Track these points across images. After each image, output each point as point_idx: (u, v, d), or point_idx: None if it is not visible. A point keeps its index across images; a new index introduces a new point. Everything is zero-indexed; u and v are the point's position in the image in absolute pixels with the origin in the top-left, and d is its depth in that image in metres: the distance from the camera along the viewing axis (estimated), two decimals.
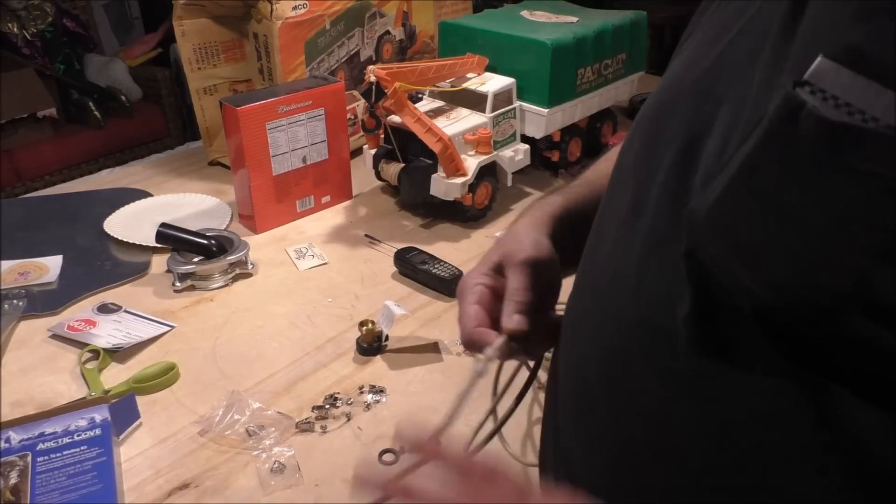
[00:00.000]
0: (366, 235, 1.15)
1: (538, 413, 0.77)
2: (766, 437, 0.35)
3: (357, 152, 1.35)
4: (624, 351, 0.43)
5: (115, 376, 0.83)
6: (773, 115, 0.30)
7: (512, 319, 0.49)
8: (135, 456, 0.72)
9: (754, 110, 0.35)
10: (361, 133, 1.32)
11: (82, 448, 0.69)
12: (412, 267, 1.02)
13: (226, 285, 1.01)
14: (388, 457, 0.72)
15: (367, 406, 0.79)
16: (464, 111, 1.19)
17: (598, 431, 0.45)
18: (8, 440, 0.69)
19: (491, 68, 1.26)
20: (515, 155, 1.20)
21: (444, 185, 1.11)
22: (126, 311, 0.94)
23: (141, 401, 0.78)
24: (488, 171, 1.16)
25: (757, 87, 0.36)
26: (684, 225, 0.36)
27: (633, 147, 0.48)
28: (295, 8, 1.24)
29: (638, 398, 0.41)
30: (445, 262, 1.02)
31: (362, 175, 1.27)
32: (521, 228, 0.55)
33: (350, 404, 0.79)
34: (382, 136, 1.21)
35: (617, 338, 0.43)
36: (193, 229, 1.05)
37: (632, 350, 0.42)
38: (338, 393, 0.80)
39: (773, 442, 0.35)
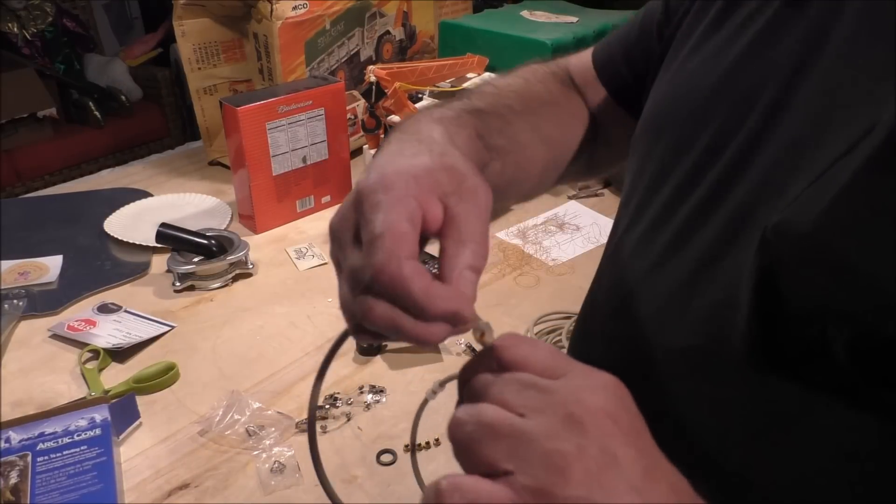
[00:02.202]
0: None
1: None
2: (860, 477, 0.32)
3: (357, 152, 1.35)
4: (674, 381, 0.39)
5: (115, 376, 0.83)
6: (893, 125, 0.28)
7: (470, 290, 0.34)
8: (135, 456, 0.72)
9: (851, 119, 0.32)
10: (361, 133, 1.32)
11: (82, 448, 0.69)
12: None
13: (226, 285, 1.01)
14: (386, 457, 0.72)
15: (367, 406, 0.79)
16: None
17: None
18: (8, 440, 0.69)
19: (491, 68, 1.26)
20: None
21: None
22: (126, 311, 0.94)
23: (141, 401, 0.78)
24: None
25: (845, 93, 0.33)
26: (765, 240, 0.32)
27: (657, 151, 0.45)
28: (295, 8, 1.24)
29: (694, 430, 0.38)
30: None
31: (362, 175, 1.27)
32: (461, 156, 0.39)
33: (350, 404, 0.79)
34: (382, 135, 1.21)
35: (667, 367, 0.40)
36: (193, 229, 1.05)
37: (687, 380, 0.39)
38: (338, 393, 0.80)
39: (869, 482, 0.32)
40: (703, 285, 0.38)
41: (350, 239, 0.34)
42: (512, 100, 0.54)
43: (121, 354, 0.86)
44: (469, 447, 0.29)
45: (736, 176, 0.38)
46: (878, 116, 0.29)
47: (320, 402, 0.79)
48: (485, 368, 0.32)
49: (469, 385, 0.32)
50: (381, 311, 0.32)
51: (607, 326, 0.46)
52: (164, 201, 1.24)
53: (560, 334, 0.89)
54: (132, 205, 1.22)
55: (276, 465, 0.70)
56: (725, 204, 0.38)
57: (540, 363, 0.31)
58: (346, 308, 0.35)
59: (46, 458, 0.68)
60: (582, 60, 0.63)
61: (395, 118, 1.13)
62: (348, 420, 0.77)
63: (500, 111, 0.51)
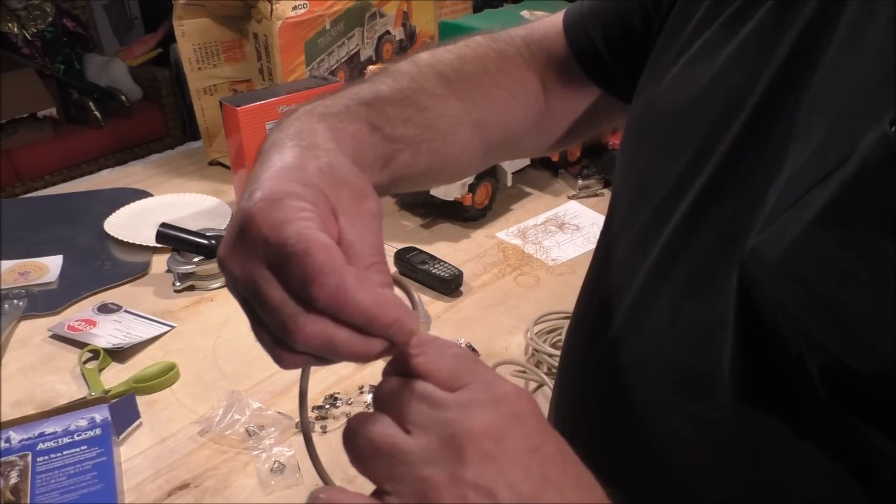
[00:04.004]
0: None
1: None
2: (821, 499, 0.32)
3: None
4: (659, 397, 0.39)
5: (115, 376, 0.83)
6: (865, 158, 0.27)
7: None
8: (135, 456, 0.72)
9: (832, 143, 0.30)
10: None
11: (82, 448, 0.69)
12: (412, 267, 1.02)
13: (226, 285, 1.01)
14: None
15: (367, 406, 0.78)
16: None
17: (629, 484, 0.40)
18: (8, 440, 0.69)
19: None
20: None
21: (443, 186, 1.11)
22: (126, 311, 0.94)
23: (141, 401, 0.78)
24: (488, 172, 1.16)
25: (829, 109, 0.32)
26: (742, 261, 0.32)
27: (645, 153, 0.44)
28: (295, 8, 1.24)
29: (674, 449, 0.38)
30: (445, 262, 1.02)
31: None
32: (349, 164, 0.37)
33: (350, 404, 0.79)
34: None
35: (653, 383, 0.39)
36: (193, 229, 1.05)
37: (668, 397, 0.38)
38: (338, 393, 0.80)
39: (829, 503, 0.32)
40: (695, 301, 0.37)
41: (258, 266, 0.32)
42: (432, 82, 0.50)
43: (121, 354, 0.86)
44: (356, 460, 0.29)
45: (722, 185, 0.37)
46: (856, 141, 0.28)
47: (320, 402, 0.79)
48: (397, 371, 0.31)
49: (375, 390, 0.32)
50: (312, 330, 0.30)
51: (598, 338, 0.45)
52: (164, 201, 1.24)
53: (560, 334, 0.89)
54: (132, 205, 1.22)
55: (276, 465, 0.70)
56: (714, 214, 0.37)
57: (442, 372, 0.30)
58: (265, 337, 0.34)
59: (46, 458, 0.68)
60: (545, 26, 0.59)
61: None
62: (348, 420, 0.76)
63: (413, 96, 0.48)
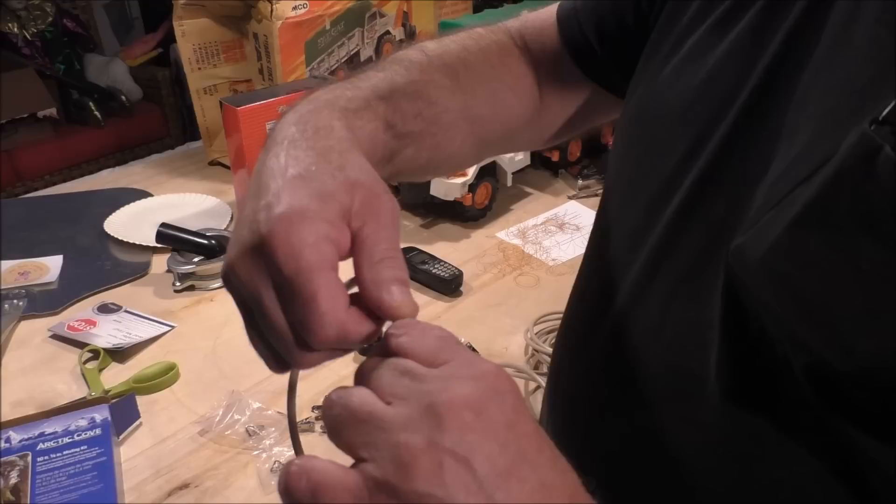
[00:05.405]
0: None
1: None
2: (811, 500, 0.32)
3: None
4: (649, 399, 0.39)
5: (115, 376, 0.83)
6: (845, 158, 0.27)
7: (404, 301, 0.33)
8: (135, 456, 0.72)
9: (817, 144, 0.30)
10: None
11: (82, 448, 0.69)
12: (412, 267, 1.01)
13: (223, 282, 1.01)
14: None
15: None
16: None
17: (626, 487, 0.40)
18: (8, 440, 0.69)
19: None
20: (515, 155, 1.20)
21: (444, 186, 1.11)
22: (126, 311, 0.94)
23: (141, 401, 0.78)
24: (488, 172, 1.16)
25: (819, 116, 0.32)
26: (728, 261, 0.32)
27: (635, 154, 0.44)
28: (295, 8, 1.24)
29: (665, 451, 0.38)
30: (445, 262, 1.02)
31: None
32: (362, 163, 0.38)
33: None
34: None
35: (643, 385, 0.39)
36: (193, 229, 1.05)
37: (659, 399, 0.38)
38: None
39: None
40: (684, 301, 0.37)
41: (265, 284, 0.33)
42: (440, 73, 0.51)
43: (121, 354, 0.86)
44: (333, 430, 0.29)
45: (710, 186, 0.37)
46: (839, 141, 0.28)
47: (320, 401, 0.79)
48: (380, 353, 0.32)
49: (358, 367, 0.32)
50: (313, 358, 0.33)
51: (589, 339, 0.45)
52: (164, 201, 1.24)
53: None
54: (132, 205, 1.22)
55: (276, 465, 0.70)
56: (702, 214, 0.37)
57: (423, 350, 0.30)
58: (258, 344, 0.37)
59: (46, 457, 0.68)
60: (541, 18, 0.59)
61: None
62: None
63: (423, 89, 0.49)
